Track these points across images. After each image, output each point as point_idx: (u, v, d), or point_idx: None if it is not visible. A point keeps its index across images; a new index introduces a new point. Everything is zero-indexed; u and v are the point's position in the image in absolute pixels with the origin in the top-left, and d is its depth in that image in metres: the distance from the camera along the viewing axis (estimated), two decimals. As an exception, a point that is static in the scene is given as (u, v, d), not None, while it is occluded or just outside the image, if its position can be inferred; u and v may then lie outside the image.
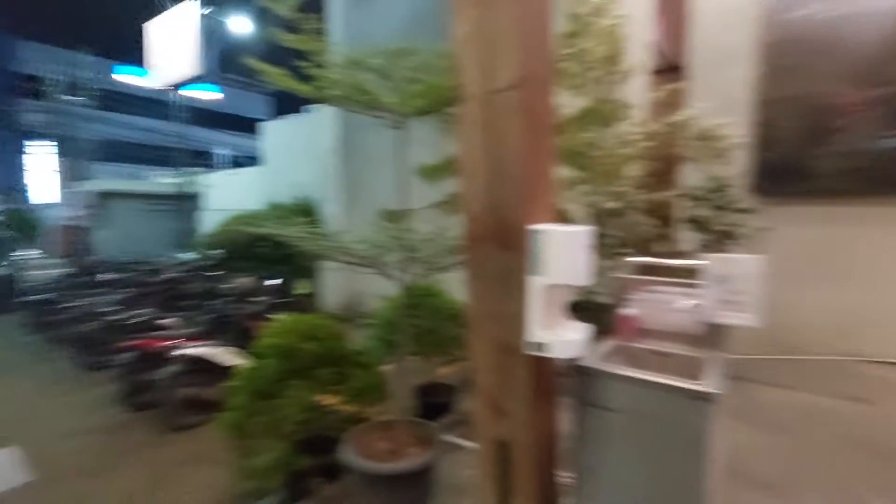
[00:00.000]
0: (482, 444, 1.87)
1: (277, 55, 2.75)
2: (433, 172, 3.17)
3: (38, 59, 23.17)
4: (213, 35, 10.72)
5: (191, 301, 6.74)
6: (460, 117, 1.81)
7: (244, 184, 12.64)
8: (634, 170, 3.36)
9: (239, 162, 24.40)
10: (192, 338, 4.88)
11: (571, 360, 1.75)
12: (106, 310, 6.06)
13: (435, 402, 3.84)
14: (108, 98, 22.62)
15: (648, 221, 3.27)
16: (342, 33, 7.25)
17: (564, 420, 1.87)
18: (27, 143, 21.85)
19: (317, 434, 2.89)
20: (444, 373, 4.02)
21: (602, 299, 2.64)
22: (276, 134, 11.59)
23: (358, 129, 7.33)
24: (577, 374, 1.81)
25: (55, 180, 20.80)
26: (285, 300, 6.57)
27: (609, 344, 2.09)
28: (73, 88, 18.64)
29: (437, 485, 2.74)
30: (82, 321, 6.07)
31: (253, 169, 13.11)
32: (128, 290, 7.11)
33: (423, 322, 3.82)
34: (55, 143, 20.34)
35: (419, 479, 2.69)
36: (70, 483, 3.58)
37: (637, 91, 3.49)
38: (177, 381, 4.45)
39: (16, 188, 24.67)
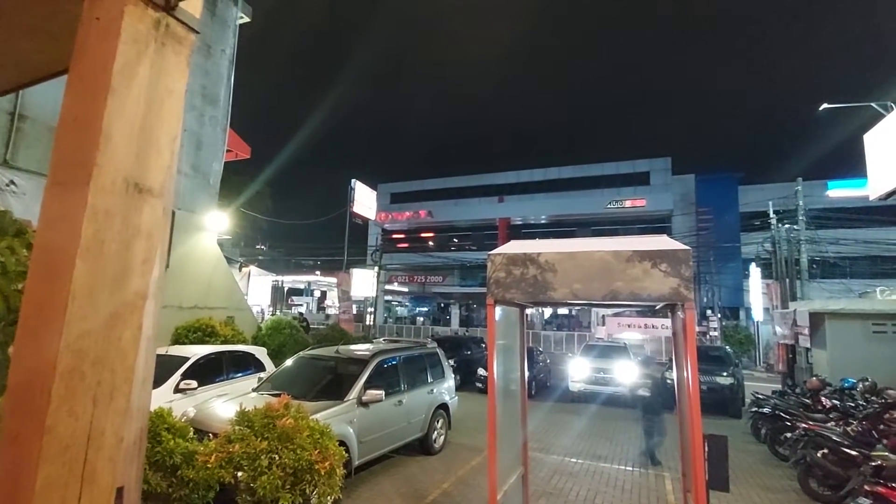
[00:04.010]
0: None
1: None
2: None
3: (757, 198, 27.19)
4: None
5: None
6: None
7: None
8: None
9: None
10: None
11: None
12: (836, 439, 5.73)
13: None
14: (820, 217, 22.80)
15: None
16: None
17: None
18: (747, 269, 25.30)
19: None
20: None
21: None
22: None
23: None
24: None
25: (764, 300, 22.70)
26: None
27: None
28: (787, 215, 20.23)
29: None
30: (809, 445, 6.00)
31: None
32: (856, 421, 6.42)
33: None
34: (765, 267, 22.55)
35: None
36: None
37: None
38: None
39: (737, 308, 28.95)
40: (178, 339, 9.95)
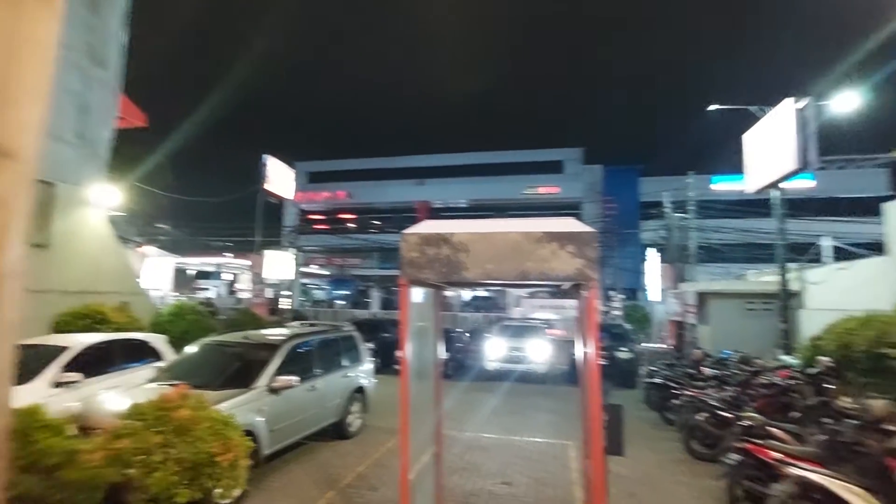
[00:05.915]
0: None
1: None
2: None
3: (655, 188, 29.69)
4: (809, 124, 10.17)
5: (799, 413, 6.11)
6: None
7: (859, 279, 10.57)
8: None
9: (848, 253, 20.60)
10: (804, 458, 4.36)
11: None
12: (713, 404, 6.48)
13: None
14: (706, 207, 25.43)
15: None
16: None
17: None
18: (645, 253, 27.67)
19: None
20: None
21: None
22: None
23: None
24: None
25: (661, 282, 25.09)
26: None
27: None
28: (678, 205, 22.34)
29: None
30: (691, 410, 6.74)
31: (872, 260, 10.77)
32: (731, 387, 7.31)
33: None
34: (661, 252, 24.93)
35: None
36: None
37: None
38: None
39: (636, 289, 31.63)
40: (61, 328, 8.83)
